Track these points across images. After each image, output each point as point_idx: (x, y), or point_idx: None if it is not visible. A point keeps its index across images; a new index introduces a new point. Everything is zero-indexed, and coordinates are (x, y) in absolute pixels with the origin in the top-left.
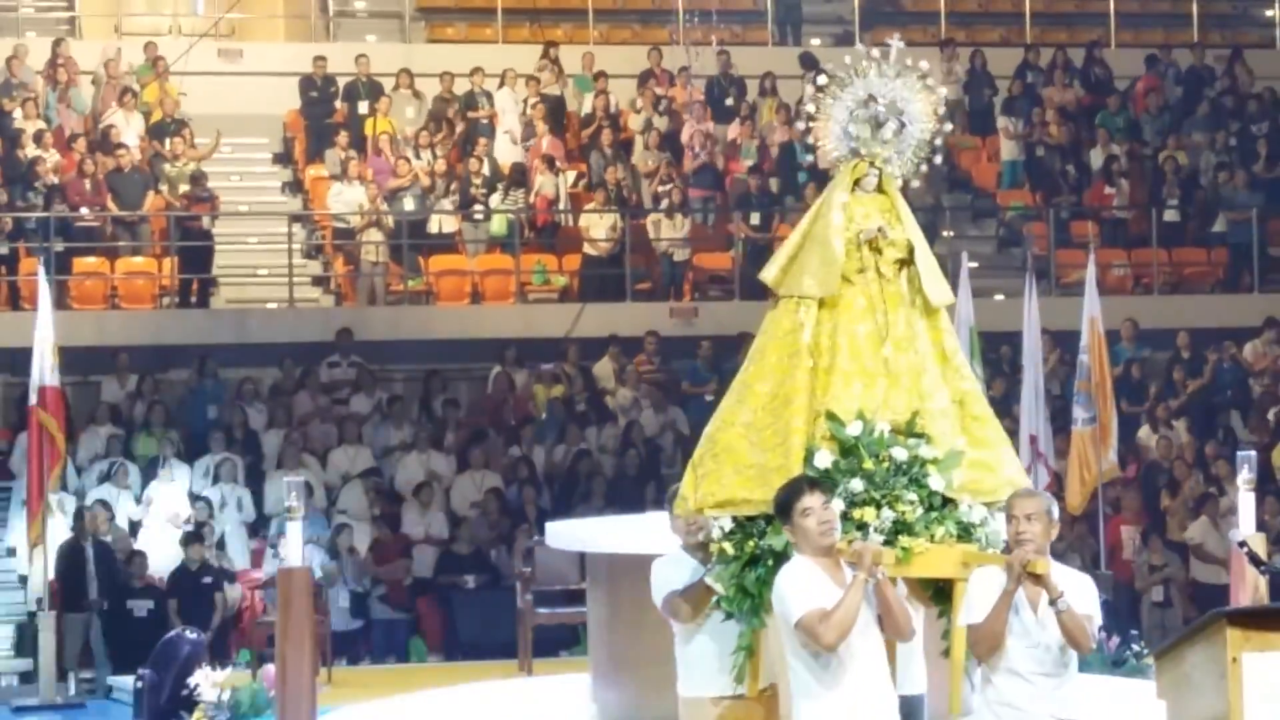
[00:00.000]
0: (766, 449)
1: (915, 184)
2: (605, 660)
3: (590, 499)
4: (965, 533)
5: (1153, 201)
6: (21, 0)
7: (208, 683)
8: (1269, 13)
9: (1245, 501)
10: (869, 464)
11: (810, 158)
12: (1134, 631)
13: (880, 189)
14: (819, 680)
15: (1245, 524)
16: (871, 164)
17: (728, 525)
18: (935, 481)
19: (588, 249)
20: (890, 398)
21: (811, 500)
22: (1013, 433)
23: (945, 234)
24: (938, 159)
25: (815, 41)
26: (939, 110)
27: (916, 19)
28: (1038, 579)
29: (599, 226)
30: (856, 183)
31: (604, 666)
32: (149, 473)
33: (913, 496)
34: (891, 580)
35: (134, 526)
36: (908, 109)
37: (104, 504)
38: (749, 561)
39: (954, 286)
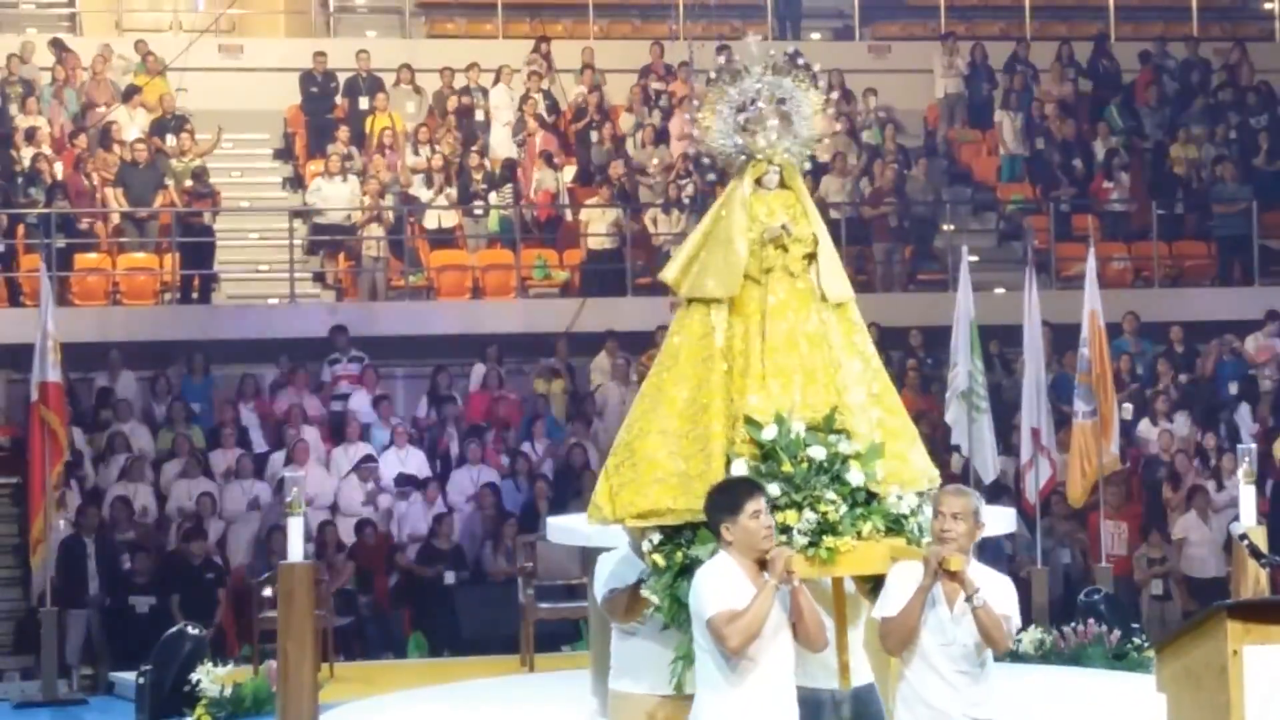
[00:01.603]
0: (686, 457)
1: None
2: (606, 655)
3: (588, 494)
4: (896, 525)
5: (1152, 195)
6: None
7: (209, 678)
8: (1268, 5)
9: (1246, 494)
10: (787, 466)
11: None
12: (1134, 625)
13: (784, 184)
14: (725, 677)
15: (1246, 516)
16: (770, 161)
17: (657, 537)
18: (855, 476)
19: (590, 243)
20: (808, 394)
21: (761, 503)
22: (1014, 426)
23: (946, 228)
24: (818, 154)
25: (815, 36)
26: (825, 103)
27: (916, 13)
28: (953, 575)
29: (600, 221)
30: (758, 181)
31: (605, 661)
32: (157, 468)
33: (833, 495)
34: (838, 581)
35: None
36: (791, 104)
37: (124, 500)
38: (680, 571)
39: (954, 280)
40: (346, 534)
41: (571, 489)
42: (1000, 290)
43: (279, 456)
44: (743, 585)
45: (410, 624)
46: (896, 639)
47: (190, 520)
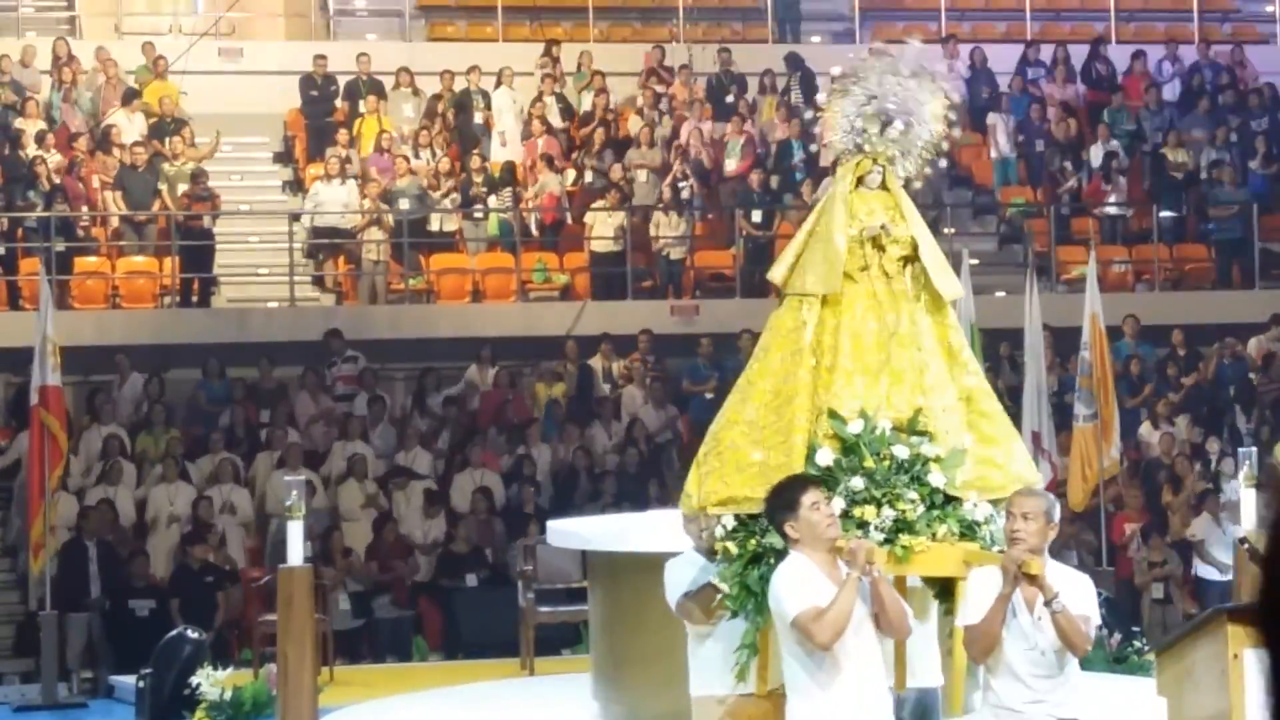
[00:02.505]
0: (769, 447)
1: (916, 184)
2: (607, 659)
3: (591, 498)
4: (969, 531)
5: (1153, 198)
6: (21, 0)
7: (209, 682)
8: (1269, 8)
9: (1246, 498)
10: (870, 462)
11: (803, 153)
12: (1135, 628)
13: (884, 186)
14: (813, 677)
15: (1246, 520)
16: (875, 161)
17: (730, 524)
18: (936, 479)
19: (595, 246)
20: (893, 395)
21: (818, 494)
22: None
23: (946, 231)
24: (941, 161)
25: (815, 39)
26: (949, 114)
27: (917, 15)
28: (1032, 579)
29: (606, 225)
30: (860, 180)
31: (605, 665)
32: (151, 472)
33: (913, 495)
34: (900, 578)
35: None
36: (917, 110)
37: (109, 503)
38: (751, 560)
39: None
40: (349, 537)
41: (572, 493)
42: (1001, 293)
43: (279, 459)
44: (820, 581)
45: (412, 627)
46: (981, 647)
47: (190, 524)
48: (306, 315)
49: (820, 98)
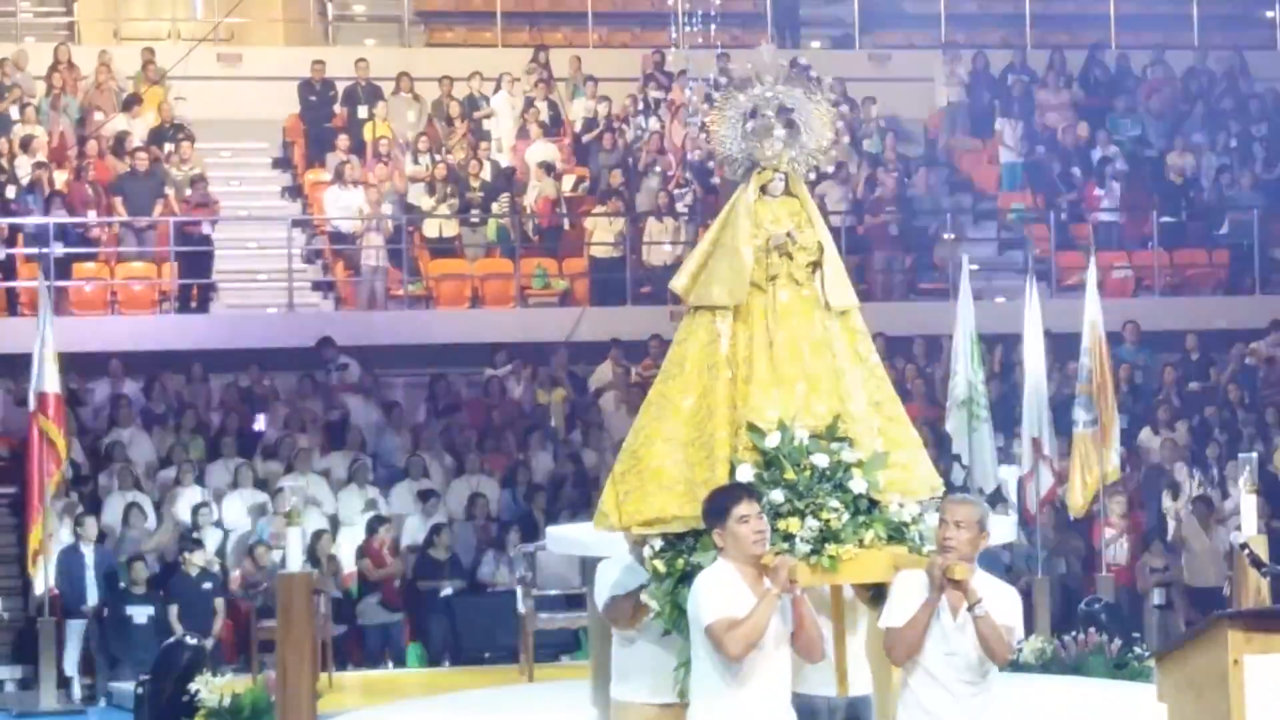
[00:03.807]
0: (692, 464)
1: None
2: (606, 665)
3: (590, 503)
4: (897, 533)
5: (1153, 203)
6: (20, 5)
7: (208, 689)
8: (1269, 14)
9: (1247, 503)
10: (790, 474)
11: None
12: (1136, 634)
13: (789, 192)
14: (724, 680)
15: (1247, 526)
16: (776, 169)
17: (658, 544)
18: (857, 484)
19: (595, 252)
20: (811, 402)
21: (749, 508)
22: (1015, 435)
23: (946, 236)
24: (836, 163)
25: (815, 44)
26: (834, 113)
27: (916, 21)
28: (958, 584)
29: (606, 231)
30: (763, 189)
31: (605, 671)
32: (149, 478)
33: (836, 503)
34: (836, 588)
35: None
36: (797, 110)
37: (109, 509)
38: (681, 578)
39: (955, 289)
40: (347, 541)
41: (570, 498)
42: (1001, 299)
43: (279, 465)
44: (741, 592)
45: (409, 634)
46: (902, 650)
47: (189, 530)
48: (305, 321)
49: (705, 116)
